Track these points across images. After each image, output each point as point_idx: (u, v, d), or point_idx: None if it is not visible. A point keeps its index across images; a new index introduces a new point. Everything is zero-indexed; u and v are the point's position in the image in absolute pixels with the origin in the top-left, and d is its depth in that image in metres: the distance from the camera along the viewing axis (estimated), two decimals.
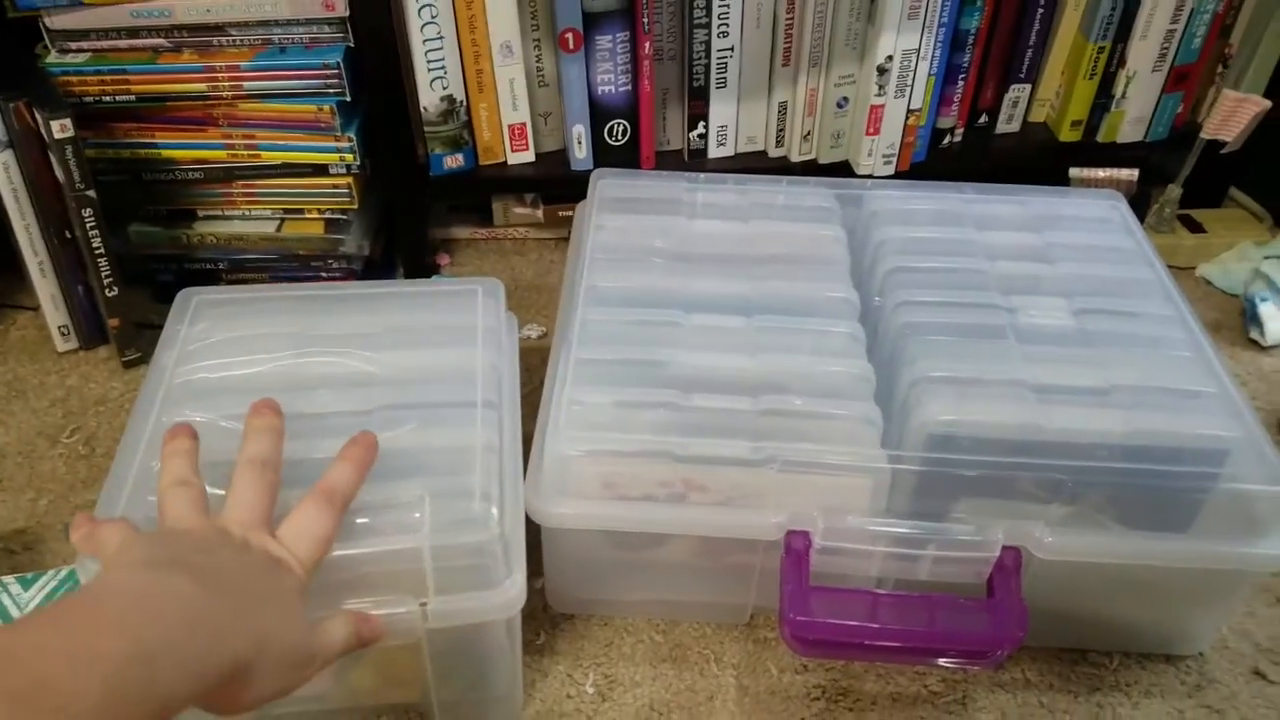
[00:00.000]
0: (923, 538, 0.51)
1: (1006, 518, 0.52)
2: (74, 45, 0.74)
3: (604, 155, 0.83)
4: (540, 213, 0.90)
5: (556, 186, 0.87)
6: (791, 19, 0.79)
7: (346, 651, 0.43)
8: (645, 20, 0.77)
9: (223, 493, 0.47)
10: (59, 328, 0.77)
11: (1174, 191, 0.87)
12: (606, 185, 0.70)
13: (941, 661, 0.53)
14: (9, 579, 0.57)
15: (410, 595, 0.46)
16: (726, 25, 0.78)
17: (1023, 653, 0.58)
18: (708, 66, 0.80)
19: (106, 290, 0.74)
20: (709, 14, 0.77)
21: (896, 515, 0.52)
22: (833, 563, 0.52)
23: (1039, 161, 0.88)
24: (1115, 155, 0.88)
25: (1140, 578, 0.54)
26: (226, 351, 0.56)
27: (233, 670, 0.36)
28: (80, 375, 0.77)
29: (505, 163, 0.84)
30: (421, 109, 0.79)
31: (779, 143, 0.86)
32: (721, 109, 0.83)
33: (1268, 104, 0.80)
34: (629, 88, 0.80)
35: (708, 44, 0.79)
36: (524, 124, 0.83)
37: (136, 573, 0.37)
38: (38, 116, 0.68)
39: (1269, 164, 0.88)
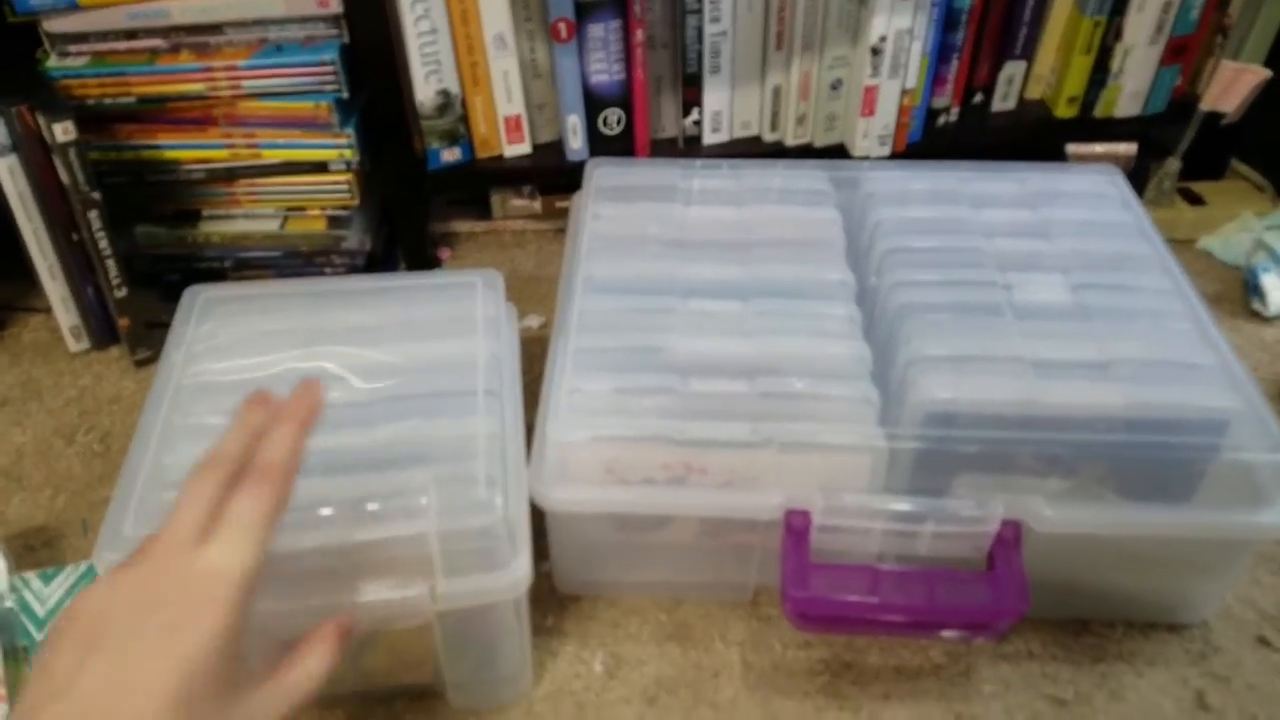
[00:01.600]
0: (921, 513, 0.52)
1: (1005, 492, 0.52)
2: (73, 49, 0.75)
3: (599, 145, 0.83)
4: (538, 204, 0.91)
5: (553, 177, 0.87)
6: (784, 1, 0.79)
7: (333, 668, 0.41)
8: (637, 7, 0.77)
9: None
10: (70, 329, 0.78)
11: (1173, 165, 0.87)
12: (602, 174, 0.71)
13: (943, 634, 0.53)
14: (30, 574, 0.59)
15: (419, 578, 0.47)
16: (718, 10, 0.78)
17: (1025, 624, 0.59)
18: (700, 52, 0.80)
19: (115, 291, 0.75)
20: None
21: (895, 492, 0.53)
22: (833, 540, 0.53)
23: (1035, 139, 0.88)
24: (1113, 130, 0.88)
25: (1142, 548, 0.55)
26: (233, 348, 0.57)
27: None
28: (93, 375, 0.78)
29: (501, 155, 0.85)
30: (417, 103, 0.80)
31: (773, 127, 0.86)
32: (715, 95, 0.83)
33: (1267, 73, 0.79)
34: (622, 76, 0.81)
35: (700, 29, 0.79)
36: (519, 116, 0.83)
37: None
38: (40, 120, 0.68)
39: (1270, 134, 0.87)
